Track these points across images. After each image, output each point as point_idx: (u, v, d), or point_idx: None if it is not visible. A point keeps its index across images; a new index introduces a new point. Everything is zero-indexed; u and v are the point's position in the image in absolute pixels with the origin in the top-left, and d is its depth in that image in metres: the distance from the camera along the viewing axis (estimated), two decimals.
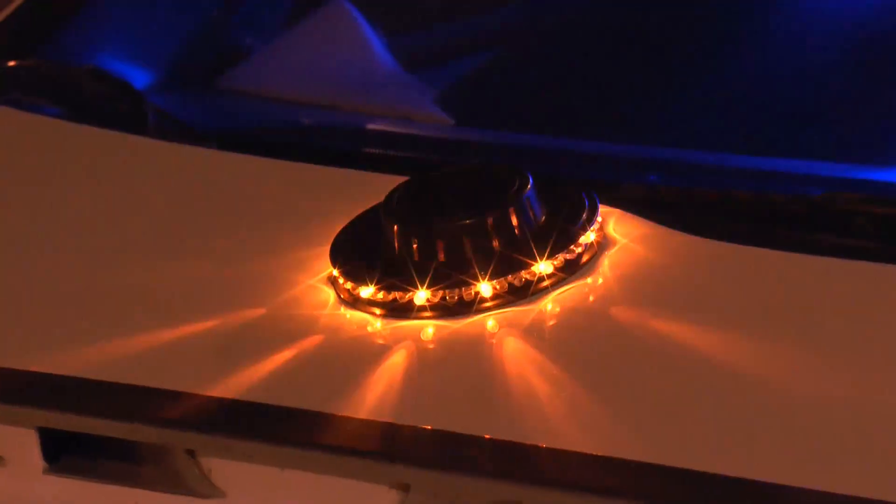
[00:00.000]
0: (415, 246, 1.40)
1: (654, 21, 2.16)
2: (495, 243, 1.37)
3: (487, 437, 1.25)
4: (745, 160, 1.79)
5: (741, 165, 1.78)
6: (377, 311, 1.40)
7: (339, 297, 1.44)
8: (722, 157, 1.81)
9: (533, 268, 1.37)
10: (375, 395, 1.32)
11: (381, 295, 1.40)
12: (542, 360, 1.33)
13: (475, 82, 2.13)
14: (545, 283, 1.37)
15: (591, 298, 1.39)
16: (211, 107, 1.91)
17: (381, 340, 1.39)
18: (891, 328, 1.36)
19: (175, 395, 1.37)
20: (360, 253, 1.45)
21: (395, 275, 1.39)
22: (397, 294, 1.39)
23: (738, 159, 1.80)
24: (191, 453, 1.33)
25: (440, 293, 1.37)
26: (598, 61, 2.10)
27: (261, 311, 1.45)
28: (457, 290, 1.37)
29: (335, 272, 1.43)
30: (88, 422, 1.38)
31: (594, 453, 1.23)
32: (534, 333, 1.36)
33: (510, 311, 1.37)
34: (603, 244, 1.43)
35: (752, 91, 2.11)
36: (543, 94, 2.06)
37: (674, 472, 1.21)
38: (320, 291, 1.46)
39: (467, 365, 1.35)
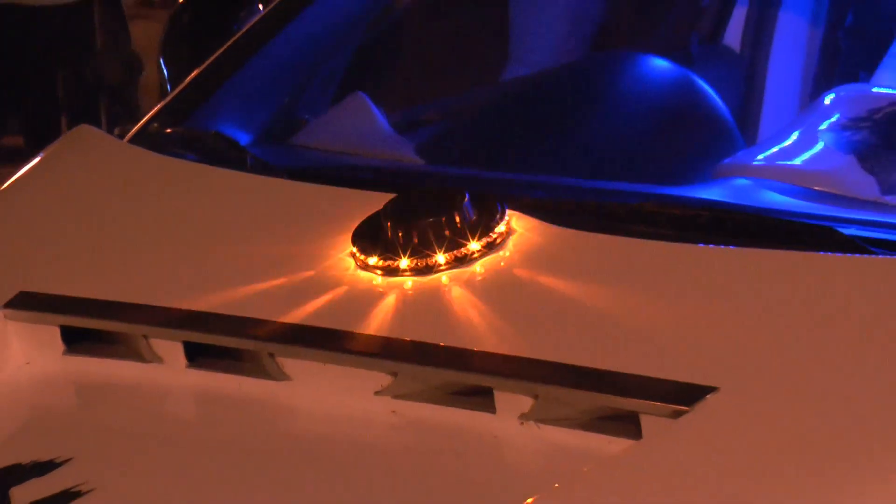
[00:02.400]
0: (400, 234, 1.50)
1: (543, 107, 2.23)
2: (447, 232, 1.48)
3: (442, 344, 1.40)
4: (594, 182, 1.90)
5: (592, 186, 1.85)
6: (378, 272, 1.50)
7: (356, 264, 1.53)
8: (580, 181, 1.90)
9: (468, 246, 1.49)
10: (378, 320, 1.46)
11: (381, 262, 1.50)
12: (474, 297, 1.48)
13: (436, 140, 2.16)
14: (476, 255, 1.49)
15: (502, 263, 1.50)
16: (284, 154, 1.94)
17: (381, 289, 1.50)
18: (680, 283, 1.49)
19: (262, 322, 1.51)
20: (368, 238, 1.55)
21: (389, 251, 1.51)
22: (391, 262, 1.50)
23: (590, 182, 1.90)
24: (271, 355, 1.48)
25: (415, 261, 1.48)
26: (510, 125, 2.18)
27: (310, 272, 1.56)
28: (425, 259, 1.49)
29: (355, 250, 1.54)
30: (213, 337, 1.52)
31: (509, 353, 1.38)
32: (469, 283, 1.49)
33: (455, 271, 1.49)
34: (509, 232, 1.53)
35: (597, 144, 2.18)
36: (477, 146, 2.16)
37: (556, 365, 1.36)
38: (345, 261, 1.56)
39: (431, 301, 1.49)
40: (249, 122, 2.02)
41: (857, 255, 1.46)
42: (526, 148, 2.12)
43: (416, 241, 1.47)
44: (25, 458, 1.41)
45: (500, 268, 1.49)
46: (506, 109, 2.31)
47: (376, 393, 1.40)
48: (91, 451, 1.43)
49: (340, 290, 1.49)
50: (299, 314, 1.47)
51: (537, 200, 1.63)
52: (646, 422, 1.27)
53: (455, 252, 1.47)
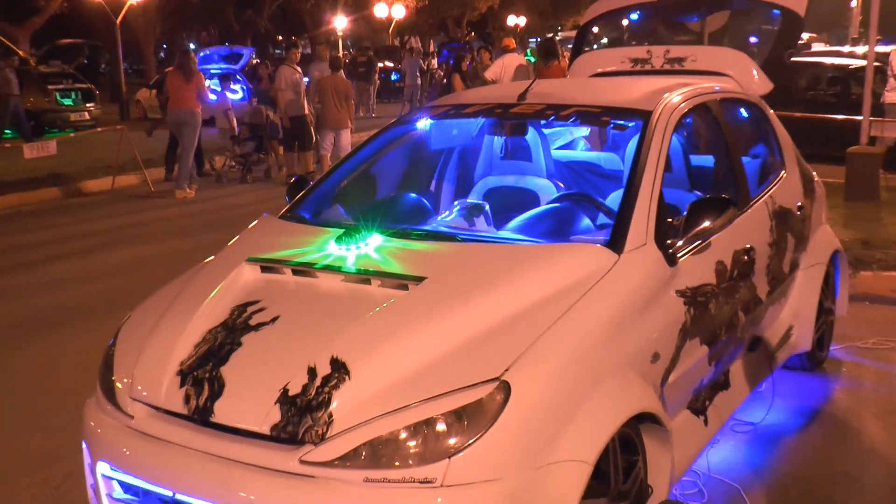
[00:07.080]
0: (348, 237, 2.16)
1: (384, 210, 2.73)
2: (358, 237, 2.15)
3: (355, 268, 2.04)
4: (398, 225, 2.45)
5: (398, 227, 2.39)
6: (341, 249, 2.13)
7: (336, 246, 2.12)
8: (396, 226, 2.40)
9: (367, 242, 2.14)
10: (341, 262, 2.09)
11: (342, 246, 2.11)
12: (367, 256, 2.10)
13: (356, 217, 2.49)
14: (367, 244, 2.12)
15: (375, 244, 2.14)
16: (320, 220, 2.49)
17: (341, 253, 2.12)
18: (416, 251, 2.12)
19: (308, 262, 2.11)
20: (342, 239, 2.13)
21: (345, 243, 2.12)
22: (345, 246, 2.11)
23: (397, 225, 2.44)
24: (312, 272, 2.09)
25: (352, 246, 2.13)
26: (377, 214, 2.50)
27: (322, 247, 2.19)
28: (354, 245, 2.14)
29: (335, 241, 2.12)
30: (295, 267, 2.13)
31: (375, 269, 1.99)
32: (364, 251, 2.13)
33: (361, 249, 2.13)
34: (374, 239, 2.18)
35: (401, 217, 2.76)
36: (368, 218, 2.45)
37: (387, 273, 2.01)
38: (333, 244, 2.17)
39: (356, 257, 2.12)
40: (309, 212, 2.70)
41: (463, 241, 2.26)
42: (380, 219, 2.44)
43: (357, 238, 2.21)
44: (250, 300, 2.10)
45: (373, 248, 2.22)
46: (376, 210, 2.70)
47: (342, 280, 2.15)
48: (268, 298, 2.09)
49: (331, 254, 2.24)
50: (319, 260, 2.21)
51: (385, 230, 2.34)
52: (410, 286, 2.00)
53: (362, 244, 2.24)
